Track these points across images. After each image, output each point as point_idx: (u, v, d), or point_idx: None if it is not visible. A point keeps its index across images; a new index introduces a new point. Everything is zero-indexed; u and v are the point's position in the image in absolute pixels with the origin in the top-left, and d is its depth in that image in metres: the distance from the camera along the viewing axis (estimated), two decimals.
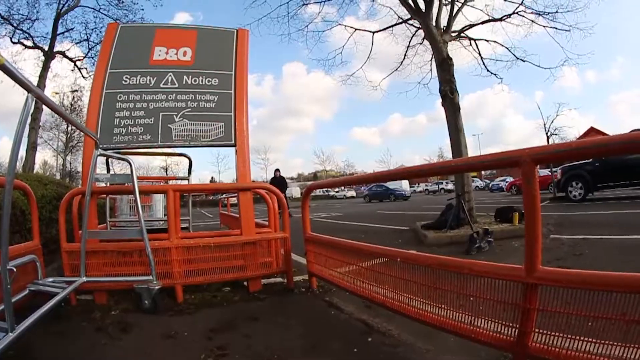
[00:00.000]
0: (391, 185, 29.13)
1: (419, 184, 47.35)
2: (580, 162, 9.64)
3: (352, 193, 44.65)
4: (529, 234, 1.26)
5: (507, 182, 30.88)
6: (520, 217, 5.44)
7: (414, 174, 2.18)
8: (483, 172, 42.66)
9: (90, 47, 13.23)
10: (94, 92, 3.04)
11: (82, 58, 13.86)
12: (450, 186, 30.53)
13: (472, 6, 8.08)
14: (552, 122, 21.63)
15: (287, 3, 8.32)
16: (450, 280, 1.52)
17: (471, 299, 1.44)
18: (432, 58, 8.15)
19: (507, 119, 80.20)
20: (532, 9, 7.81)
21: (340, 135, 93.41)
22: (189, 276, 2.67)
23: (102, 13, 12.77)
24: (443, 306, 1.55)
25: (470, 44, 8.42)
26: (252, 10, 8.40)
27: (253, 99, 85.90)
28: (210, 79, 3.23)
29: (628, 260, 3.14)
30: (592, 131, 34.36)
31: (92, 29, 12.92)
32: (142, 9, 12.90)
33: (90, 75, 13.19)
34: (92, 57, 13.05)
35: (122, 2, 12.66)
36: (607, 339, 1.09)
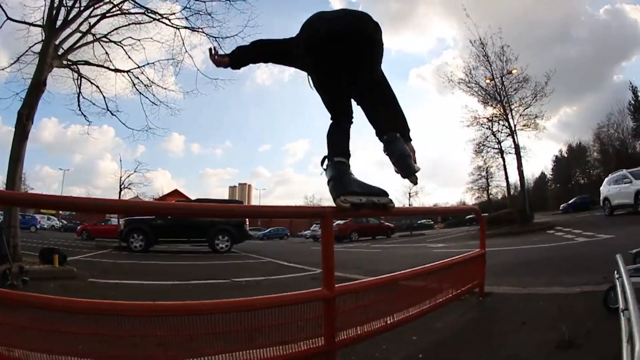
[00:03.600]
0: None
1: None
2: (144, 217, 10.36)
3: None
4: None
5: None
6: (61, 259, 5.60)
7: None
8: None
9: None
10: None
11: None
12: None
13: (107, 40, 7.99)
14: (129, 177, 23.83)
15: None
16: None
17: None
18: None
19: (103, 163, 74.41)
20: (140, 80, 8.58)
21: None
22: None
23: None
24: None
25: (79, 80, 8.13)
26: None
27: None
28: None
29: None
30: (176, 193, 38.91)
31: None
32: None
33: None
34: None
35: None
36: None
